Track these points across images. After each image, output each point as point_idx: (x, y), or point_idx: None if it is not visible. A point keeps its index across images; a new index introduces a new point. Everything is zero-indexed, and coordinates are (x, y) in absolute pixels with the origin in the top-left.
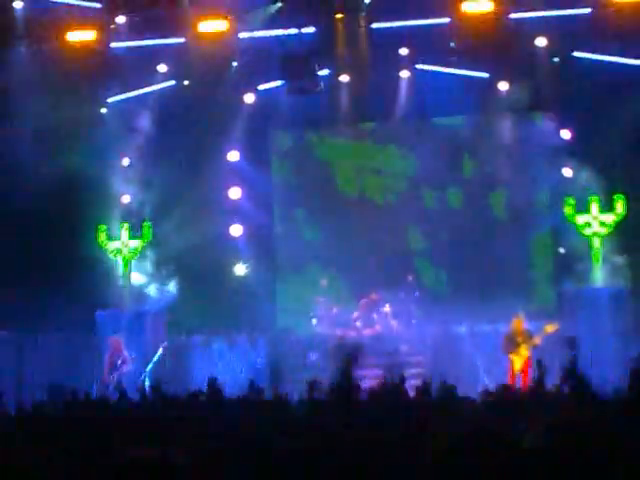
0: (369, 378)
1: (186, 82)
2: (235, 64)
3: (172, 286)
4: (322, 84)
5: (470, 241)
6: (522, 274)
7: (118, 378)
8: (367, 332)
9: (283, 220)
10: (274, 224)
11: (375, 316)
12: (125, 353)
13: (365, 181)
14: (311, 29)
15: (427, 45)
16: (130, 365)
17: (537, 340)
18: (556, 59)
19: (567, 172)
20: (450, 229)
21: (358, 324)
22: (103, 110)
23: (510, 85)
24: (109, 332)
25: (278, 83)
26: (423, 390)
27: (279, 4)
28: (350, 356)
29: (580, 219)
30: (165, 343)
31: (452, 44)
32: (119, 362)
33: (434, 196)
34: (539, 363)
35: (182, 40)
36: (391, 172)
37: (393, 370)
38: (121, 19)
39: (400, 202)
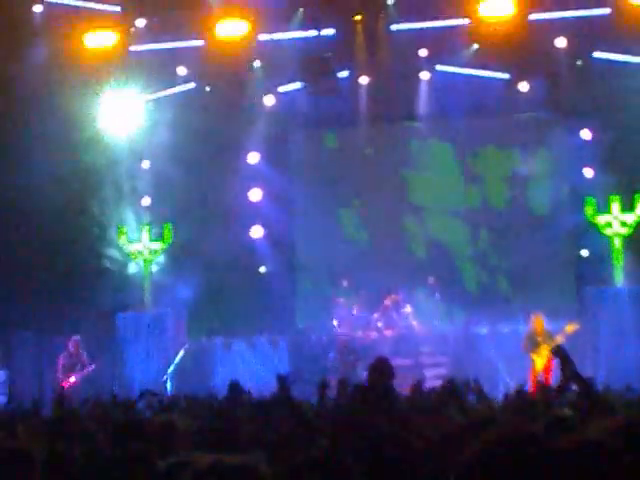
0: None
1: (207, 87)
2: (255, 66)
3: (192, 288)
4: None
5: (491, 242)
6: (543, 274)
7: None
8: (388, 333)
9: (303, 221)
10: (294, 225)
11: (396, 317)
12: (83, 355)
13: (387, 181)
14: (331, 31)
15: (447, 46)
16: (90, 367)
17: (558, 340)
18: (579, 62)
19: (588, 172)
20: (471, 231)
21: (379, 325)
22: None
23: (530, 86)
24: (130, 334)
25: (298, 85)
26: (448, 391)
27: None
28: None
29: (601, 219)
30: (187, 345)
31: (475, 46)
32: (77, 365)
33: (456, 197)
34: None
35: (201, 42)
36: (413, 171)
37: (415, 371)
38: (141, 22)
39: (418, 203)
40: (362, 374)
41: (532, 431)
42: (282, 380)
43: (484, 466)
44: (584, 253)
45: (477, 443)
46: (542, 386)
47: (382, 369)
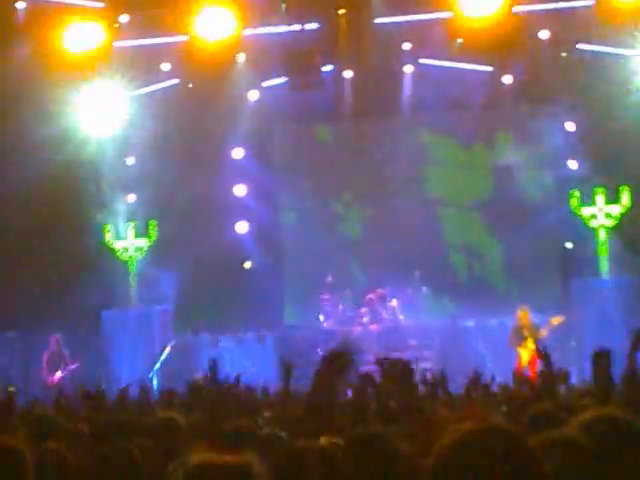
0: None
1: (190, 84)
2: (239, 61)
3: (178, 284)
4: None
5: (477, 234)
6: (528, 267)
7: (64, 378)
8: (374, 327)
9: (289, 216)
10: (280, 221)
11: (383, 311)
12: (64, 352)
13: (371, 175)
14: (314, 25)
15: (430, 39)
16: (73, 364)
17: (543, 332)
18: (564, 53)
19: (572, 164)
20: (456, 223)
21: (365, 320)
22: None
23: (514, 78)
24: (116, 331)
25: (282, 80)
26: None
27: None
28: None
29: (586, 211)
30: (172, 342)
31: (459, 40)
32: (61, 363)
33: (440, 189)
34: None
35: (185, 38)
36: (398, 164)
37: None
38: (124, 18)
39: (403, 197)
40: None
41: (500, 426)
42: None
43: (454, 459)
44: (569, 245)
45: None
46: (525, 379)
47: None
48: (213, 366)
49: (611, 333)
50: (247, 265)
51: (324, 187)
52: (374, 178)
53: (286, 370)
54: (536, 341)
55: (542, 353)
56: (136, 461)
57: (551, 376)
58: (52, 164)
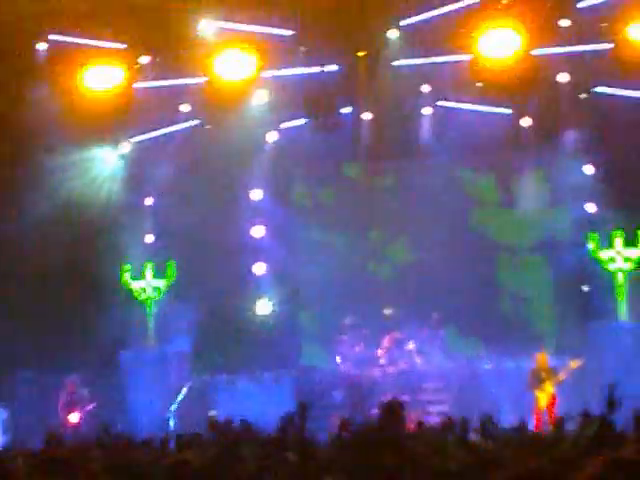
0: None
1: (208, 125)
2: (258, 103)
3: (196, 325)
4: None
5: (493, 278)
6: (546, 310)
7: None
8: (390, 370)
9: (306, 258)
10: (297, 262)
11: (398, 354)
12: (82, 392)
13: (391, 215)
14: (333, 67)
15: (449, 82)
16: (91, 405)
17: (562, 376)
18: (583, 95)
19: (590, 207)
20: (474, 268)
21: (382, 362)
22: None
23: (533, 121)
24: (133, 372)
25: (301, 121)
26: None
27: None
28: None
29: (604, 254)
30: (190, 383)
31: (479, 84)
32: (78, 404)
33: (458, 233)
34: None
35: (204, 79)
36: (416, 205)
37: (417, 408)
38: (144, 59)
39: (423, 241)
40: (370, 412)
41: (541, 468)
42: (301, 409)
43: None
44: (585, 288)
45: None
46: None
47: (395, 411)
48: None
49: (629, 378)
50: (264, 305)
51: (342, 228)
52: (392, 218)
53: (302, 410)
54: (556, 385)
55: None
56: None
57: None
58: (69, 202)
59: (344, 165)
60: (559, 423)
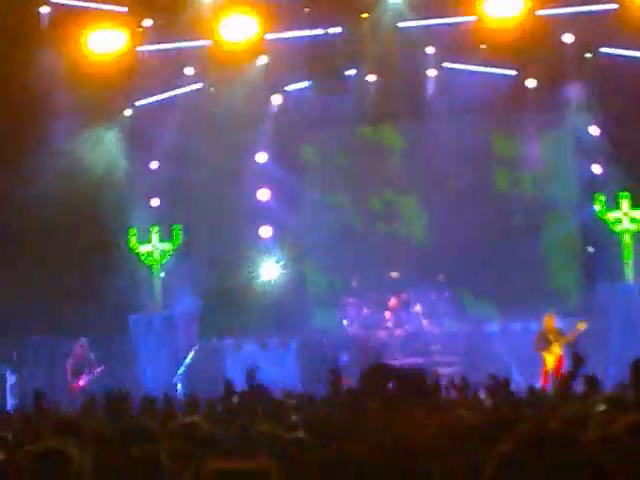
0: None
1: (212, 88)
2: (262, 65)
3: (202, 288)
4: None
5: (500, 239)
6: (553, 272)
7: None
8: (398, 332)
9: (312, 221)
10: (303, 225)
11: (405, 316)
12: (90, 356)
13: (396, 181)
14: (337, 29)
15: (454, 44)
16: (99, 368)
17: (570, 338)
18: (588, 55)
19: (597, 169)
20: (480, 228)
21: (389, 324)
22: (130, 113)
23: (537, 82)
24: (142, 335)
25: (305, 84)
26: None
27: None
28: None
29: (611, 216)
30: (197, 346)
31: (483, 46)
32: (86, 367)
33: (464, 195)
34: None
35: (208, 42)
36: (423, 167)
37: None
38: (148, 22)
39: (430, 201)
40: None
41: (556, 428)
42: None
43: (515, 463)
44: (590, 249)
45: (505, 442)
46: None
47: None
48: (251, 374)
49: (636, 338)
50: (271, 268)
51: (349, 191)
52: (400, 180)
53: (332, 373)
54: (564, 346)
55: (577, 357)
56: (159, 465)
57: (570, 380)
58: (77, 169)
59: (349, 127)
60: (566, 384)
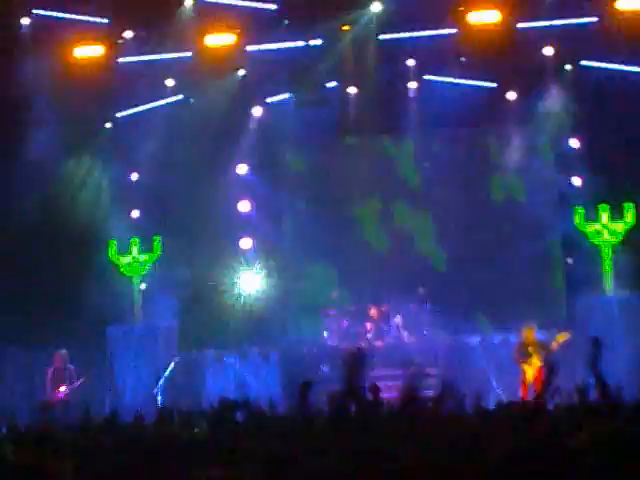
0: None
1: (191, 99)
2: (242, 76)
3: (182, 300)
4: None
5: (479, 251)
6: (532, 284)
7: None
8: (378, 344)
9: (293, 233)
10: (283, 236)
11: (385, 327)
12: (70, 367)
13: (378, 193)
14: (318, 41)
15: (435, 56)
16: (79, 380)
17: (551, 349)
18: (568, 66)
19: (576, 181)
20: (459, 240)
21: (369, 336)
22: (110, 125)
23: (518, 95)
24: (120, 347)
25: (286, 96)
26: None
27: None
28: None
29: (590, 228)
30: (177, 358)
31: (462, 59)
32: (66, 379)
33: (443, 206)
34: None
35: (189, 54)
36: (402, 182)
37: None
38: (128, 34)
39: (410, 214)
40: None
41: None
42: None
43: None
44: (569, 261)
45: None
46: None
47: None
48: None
49: (615, 351)
50: (251, 278)
51: (328, 202)
52: (377, 193)
53: (304, 388)
54: (544, 357)
55: (549, 367)
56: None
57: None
58: (56, 180)
59: (329, 139)
60: (545, 396)
